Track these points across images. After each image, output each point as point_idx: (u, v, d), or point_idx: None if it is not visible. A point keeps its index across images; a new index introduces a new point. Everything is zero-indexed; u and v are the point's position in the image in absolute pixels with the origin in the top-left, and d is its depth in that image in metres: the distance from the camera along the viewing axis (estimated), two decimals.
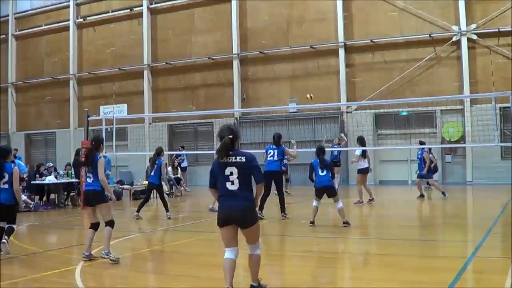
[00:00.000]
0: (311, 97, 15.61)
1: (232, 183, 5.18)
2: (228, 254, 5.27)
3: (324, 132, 23.46)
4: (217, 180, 5.28)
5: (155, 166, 12.29)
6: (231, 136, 5.30)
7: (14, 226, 8.01)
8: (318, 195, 10.15)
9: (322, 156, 10.15)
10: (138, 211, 12.07)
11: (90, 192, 7.33)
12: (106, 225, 7.28)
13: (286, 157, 12.48)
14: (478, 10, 21.78)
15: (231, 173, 5.19)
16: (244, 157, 5.26)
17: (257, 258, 5.37)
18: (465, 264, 6.56)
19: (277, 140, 11.52)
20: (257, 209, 6.12)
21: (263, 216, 10.98)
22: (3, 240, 7.76)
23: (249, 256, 5.39)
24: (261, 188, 5.47)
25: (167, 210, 12.15)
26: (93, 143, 7.56)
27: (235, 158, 5.24)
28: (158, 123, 27.77)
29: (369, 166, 14.62)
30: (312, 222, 9.99)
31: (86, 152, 7.53)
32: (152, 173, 12.38)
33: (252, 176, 5.28)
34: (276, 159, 11.33)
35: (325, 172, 9.96)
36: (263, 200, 11.23)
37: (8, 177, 7.81)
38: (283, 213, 11.35)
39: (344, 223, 9.89)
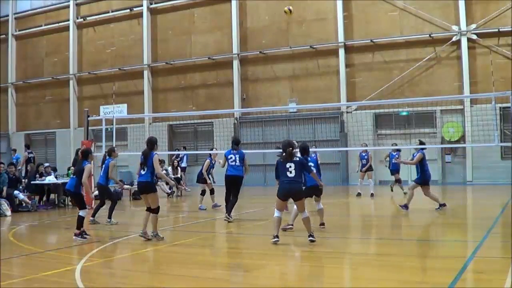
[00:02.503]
0: (290, 10, 14.80)
1: (291, 172, 8.11)
2: (278, 214, 8.12)
3: (324, 132, 23.50)
4: (280, 172, 8.16)
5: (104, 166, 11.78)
6: (291, 148, 8.23)
7: (82, 214, 9.15)
8: (306, 195, 9.53)
9: (307, 156, 9.68)
10: (93, 215, 11.40)
11: (143, 183, 8.79)
12: (152, 212, 8.76)
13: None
14: (478, 10, 21.79)
15: (290, 167, 8.13)
16: (298, 158, 8.33)
17: (307, 219, 8.15)
18: (465, 264, 6.56)
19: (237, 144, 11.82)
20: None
21: (231, 219, 11.32)
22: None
23: (302, 219, 8.16)
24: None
25: (109, 217, 11.34)
26: (148, 144, 8.93)
27: (293, 158, 8.21)
28: (158, 123, 27.78)
29: None
30: (290, 226, 9.45)
31: (144, 152, 8.94)
32: (101, 173, 11.85)
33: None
34: (239, 164, 11.56)
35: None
36: (232, 204, 11.53)
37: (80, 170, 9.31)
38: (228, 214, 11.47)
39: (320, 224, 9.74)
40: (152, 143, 8.91)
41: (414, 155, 12.86)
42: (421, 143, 13.31)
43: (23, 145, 30.93)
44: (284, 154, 8.26)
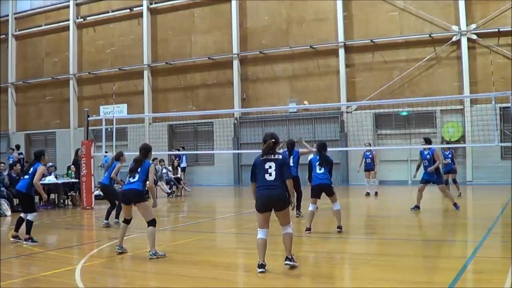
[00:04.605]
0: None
1: (270, 174, 6.43)
2: (262, 234, 6.43)
3: (324, 132, 23.52)
4: (257, 174, 6.51)
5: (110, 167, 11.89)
6: (273, 140, 6.54)
7: (30, 218, 8.88)
8: (314, 195, 9.34)
9: (324, 153, 9.39)
10: (106, 218, 11.31)
11: (132, 191, 7.67)
12: (148, 225, 7.58)
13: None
14: (478, 10, 21.78)
15: (270, 167, 6.46)
16: (281, 156, 6.60)
17: (289, 236, 6.52)
18: (465, 264, 6.56)
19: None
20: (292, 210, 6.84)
21: (301, 214, 11.46)
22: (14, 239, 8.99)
23: (283, 235, 6.53)
24: (290, 183, 6.52)
25: (106, 218, 11.27)
26: (142, 151, 8.03)
27: (274, 156, 6.52)
28: (158, 123, 27.77)
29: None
30: (309, 229, 9.23)
31: (137, 159, 7.94)
32: (105, 174, 11.97)
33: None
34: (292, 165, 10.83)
35: (322, 170, 9.22)
36: (298, 200, 11.46)
37: (32, 172, 9.03)
38: (297, 211, 11.52)
39: (338, 227, 9.25)
40: (147, 151, 8.05)
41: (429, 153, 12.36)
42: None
43: (23, 145, 31.19)
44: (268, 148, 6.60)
